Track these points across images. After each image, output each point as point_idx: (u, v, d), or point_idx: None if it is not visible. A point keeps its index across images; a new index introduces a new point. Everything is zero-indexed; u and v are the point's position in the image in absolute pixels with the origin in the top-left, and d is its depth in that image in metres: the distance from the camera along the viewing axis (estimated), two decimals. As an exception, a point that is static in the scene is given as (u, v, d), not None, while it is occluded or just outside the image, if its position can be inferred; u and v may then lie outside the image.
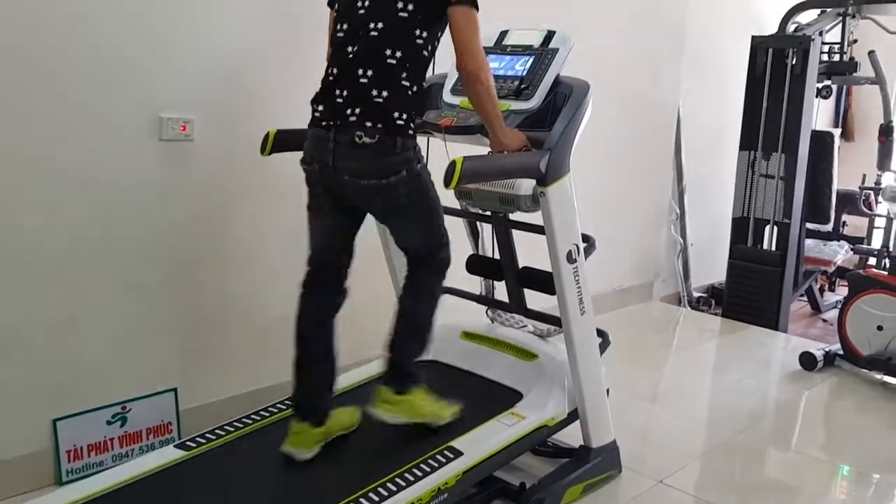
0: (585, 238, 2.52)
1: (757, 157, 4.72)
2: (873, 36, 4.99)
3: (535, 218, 2.44)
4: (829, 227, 5.18)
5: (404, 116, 2.17)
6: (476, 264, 2.86)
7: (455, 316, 2.56)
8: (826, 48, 4.90)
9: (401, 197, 2.21)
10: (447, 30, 2.20)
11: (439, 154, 2.41)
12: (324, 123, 2.21)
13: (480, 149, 2.41)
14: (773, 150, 4.65)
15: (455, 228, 2.76)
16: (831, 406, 3.73)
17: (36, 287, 2.46)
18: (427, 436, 2.42)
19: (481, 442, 2.40)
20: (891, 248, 4.64)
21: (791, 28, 4.90)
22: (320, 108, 2.24)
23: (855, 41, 4.96)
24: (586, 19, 4.07)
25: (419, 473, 2.23)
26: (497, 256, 2.77)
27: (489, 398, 2.64)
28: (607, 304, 4.61)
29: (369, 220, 2.42)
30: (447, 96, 2.58)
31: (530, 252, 2.69)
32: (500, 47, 2.60)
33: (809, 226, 4.98)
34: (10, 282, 2.41)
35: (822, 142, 4.86)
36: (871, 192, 5.16)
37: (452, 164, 2.07)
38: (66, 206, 2.48)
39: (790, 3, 4.95)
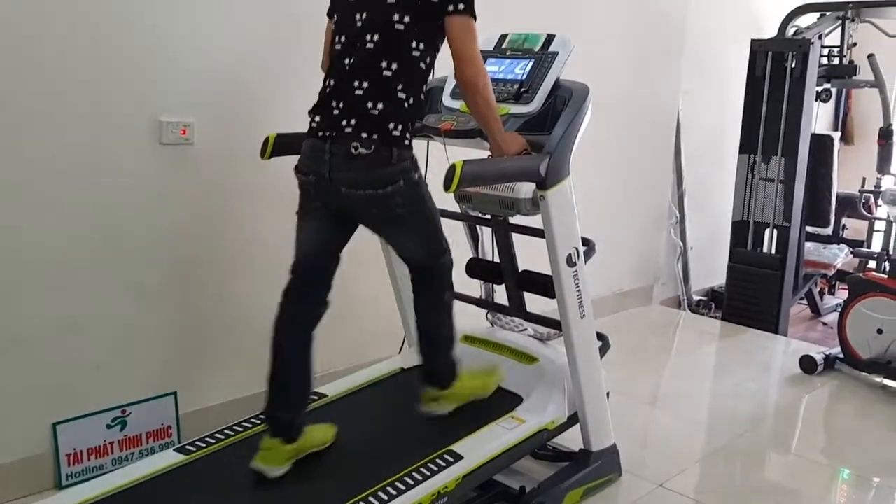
0: (585, 241, 2.52)
1: (757, 161, 4.72)
2: (873, 39, 4.98)
3: (534, 221, 2.45)
4: (828, 231, 5.17)
5: (400, 127, 2.16)
6: (476, 268, 2.86)
7: (455, 319, 2.56)
8: (825, 52, 4.89)
9: (398, 207, 2.21)
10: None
11: (439, 157, 2.41)
12: (320, 134, 2.21)
13: (480, 152, 2.41)
14: (772, 154, 4.65)
15: (455, 232, 2.76)
16: (831, 409, 3.73)
17: (36, 290, 2.46)
18: (427, 439, 2.41)
19: (481, 446, 2.40)
20: (891, 252, 4.64)
21: (790, 31, 4.90)
22: (317, 118, 2.24)
23: (854, 45, 4.96)
24: (586, 23, 4.08)
25: (419, 477, 2.23)
26: (497, 260, 2.77)
27: (489, 401, 2.64)
28: (607, 308, 4.61)
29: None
30: (447, 100, 2.58)
31: (530, 255, 2.69)
32: (499, 51, 2.60)
33: (809, 229, 4.97)
34: (9, 285, 2.41)
35: (821, 145, 4.86)
36: (871, 195, 5.15)
37: (452, 168, 2.07)
38: (66, 209, 2.49)
39: (789, 7, 4.95)
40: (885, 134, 4.88)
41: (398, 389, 2.80)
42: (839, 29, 4.90)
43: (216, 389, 2.91)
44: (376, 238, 2.51)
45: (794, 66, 4.52)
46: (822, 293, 5.57)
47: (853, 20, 4.88)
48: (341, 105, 2.19)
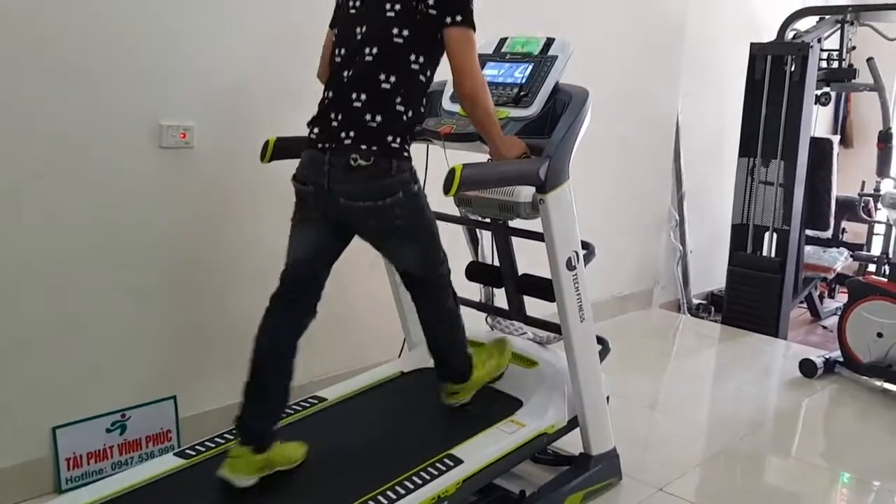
0: (585, 245, 2.52)
1: (756, 164, 4.72)
2: (872, 43, 5.00)
3: (534, 225, 2.45)
4: (828, 234, 5.18)
5: (399, 140, 2.16)
6: (476, 271, 2.86)
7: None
8: (825, 55, 4.90)
9: (396, 218, 2.20)
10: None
11: (439, 161, 2.41)
12: (319, 146, 2.21)
13: (480, 156, 2.41)
14: (772, 157, 4.66)
15: (454, 236, 2.77)
16: (831, 413, 3.73)
17: (35, 294, 2.46)
18: (427, 443, 2.41)
19: (481, 450, 2.40)
20: (890, 255, 4.65)
21: (790, 35, 4.91)
22: (316, 130, 2.24)
23: (853, 48, 4.97)
24: (586, 27, 4.08)
25: (419, 481, 2.22)
26: (496, 263, 2.77)
27: (489, 406, 2.63)
28: (607, 312, 4.61)
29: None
30: (446, 104, 2.58)
31: (530, 259, 2.69)
32: (498, 54, 2.60)
33: (809, 232, 4.98)
34: (9, 288, 2.41)
35: (821, 148, 4.86)
36: (871, 198, 5.16)
37: (452, 172, 2.07)
38: (66, 212, 2.49)
39: (789, 10, 4.96)
40: (884, 137, 4.89)
41: (398, 393, 2.79)
42: (838, 32, 4.91)
43: (216, 393, 2.91)
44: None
45: (793, 69, 4.53)
46: (821, 297, 5.57)
47: (852, 24, 4.89)
48: (340, 117, 2.18)
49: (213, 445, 2.41)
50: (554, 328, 2.62)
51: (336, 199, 2.19)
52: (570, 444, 2.70)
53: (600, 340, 2.68)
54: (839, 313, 4.05)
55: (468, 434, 2.46)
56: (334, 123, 2.19)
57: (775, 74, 4.60)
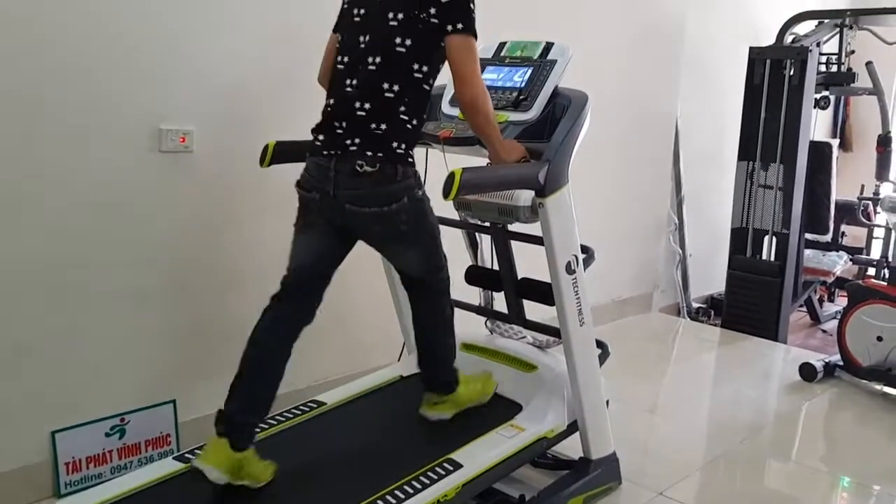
0: (584, 249, 2.52)
1: (755, 168, 4.73)
2: (871, 47, 5.00)
3: (534, 229, 2.45)
4: (827, 238, 5.19)
5: (403, 146, 2.17)
6: (475, 275, 2.86)
7: (454, 327, 2.56)
8: (824, 59, 4.91)
9: (402, 223, 2.22)
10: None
11: (438, 165, 2.41)
12: (324, 153, 2.21)
13: (479, 160, 2.41)
14: (771, 161, 4.66)
15: (454, 240, 2.76)
16: (831, 417, 3.72)
17: (35, 299, 2.46)
18: (427, 448, 2.41)
19: (480, 454, 2.40)
20: (890, 259, 4.64)
21: (789, 39, 4.92)
22: (321, 137, 2.24)
23: (852, 52, 4.98)
24: (585, 31, 4.08)
25: (418, 486, 2.22)
26: (496, 267, 2.77)
27: (488, 410, 2.63)
28: (606, 315, 4.61)
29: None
30: (446, 107, 2.58)
31: (529, 263, 2.69)
32: (498, 58, 2.60)
33: (808, 236, 4.98)
34: (9, 293, 2.40)
35: (820, 152, 4.87)
36: (870, 202, 5.16)
37: (451, 176, 2.07)
38: (66, 216, 2.48)
39: (788, 14, 4.97)
40: (883, 141, 4.89)
41: (397, 397, 2.79)
42: (837, 36, 4.91)
43: (215, 397, 2.87)
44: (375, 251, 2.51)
45: (792, 73, 4.54)
46: (821, 300, 5.58)
47: (851, 28, 4.89)
48: (344, 125, 2.19)
49: (213, 450, 2.41)
50: (553, 332, 2.62)
51: (341, 205, 2.20)
52: (570, 448, 2.69)
53: (600, 344, 2.67)
54: (839, 317, 4.06)
55: (468, 438, 2.46)
56: (339, 131, 2.19)
57: (774, 78, 4.61)
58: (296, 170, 2.36)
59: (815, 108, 4.80)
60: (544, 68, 2.46)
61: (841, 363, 3.94)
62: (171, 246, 2.74)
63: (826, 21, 4.95)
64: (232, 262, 2.91)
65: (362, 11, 2.25)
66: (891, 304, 3.75)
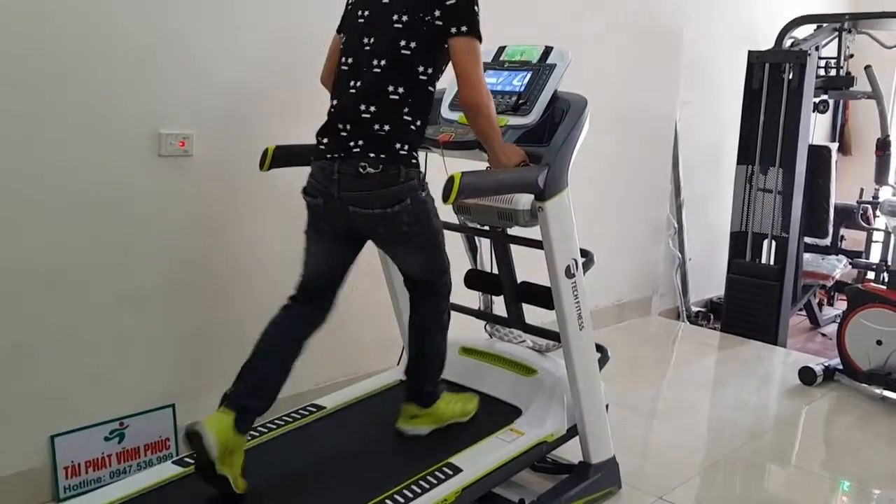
0: (584, 253, 2.52)
1: (754, 172, 4.73)
2: (870, 51, 5.01)
3: (533, 233, 2.45)
4: (827, 242, 5.18)
5: (407, 147, 2.18)
6: (474, 279, 2.86)
7: (453, 331, 2.56)
8: (823, 63, 4.92)
9: (404, 225, 2.22)
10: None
11: (438, 169, 2.41)
12: (328, 156, 2.22)
13: (479, 163, 2.41)
14: (770, 165, 4.66)
15: (453, 244, 2.76)
16: (831, 421, 3.72)
17: (34, 303, 2.46)
18: (426, 452, 2.41)
19: (480, 458, 2.40)
20: (889, 262, 4.64)
21: (787, 43, 4.93)
22: (325, 141, 2.25)
23: (851, 56, 4.99)
24: (584, 35, 4.09)
25: (418, 490, 2.22)
26: (495, 271, 2.76)
27: (488, 414, 2.63)
28: (606, 319, 4.61)
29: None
30: (445, 112, 2.58)
31: (529, 267, 2.69)
32: (497, 63, 2.61)
33: (807, 240, 4.98)
34: (8, 297, 2.40)
35: (819, 156, 4.87)
36: (869, 205, 5.17)
37: (451, 180, 2.07)
38: (65, 220, 2.48)
39: (787, 18, 4.98)
40: (882, 145, 4.90)
41: (397, 401, 2.77)
42: (836, 40, 4.92)
43: (215, 402, 2.88)
44: (375, 251, 2.52)
45: (791, 77, 4.54)
46: (820, 304, 5.58)
47: (850, 31, 4.90)
48: (348, 127, 2.20)
49: (212, 454, 2.40)
50: (553, 336, 2.61)
51: (345, 206, 2.21)
52: (570, 452, 2.69)
53: (599, 348, 2.67)
54: (838, 321, 4.06)
55: (467, 443, 2.46)
56: (343, 133, 2.20)
57: (773, 82, 4.61)
58: (297, 174, 2.36)
59: (814, 111, 4.80)
60: (543, 72, 2.47)
61: (840, 367, 3.94)
62: (171, 249, 2.74)
63: (825, 25, 4.96)
64: (232, 266, 2.91)
65: (367, 13, 2.25)
66: (890, 308, 3.75)
